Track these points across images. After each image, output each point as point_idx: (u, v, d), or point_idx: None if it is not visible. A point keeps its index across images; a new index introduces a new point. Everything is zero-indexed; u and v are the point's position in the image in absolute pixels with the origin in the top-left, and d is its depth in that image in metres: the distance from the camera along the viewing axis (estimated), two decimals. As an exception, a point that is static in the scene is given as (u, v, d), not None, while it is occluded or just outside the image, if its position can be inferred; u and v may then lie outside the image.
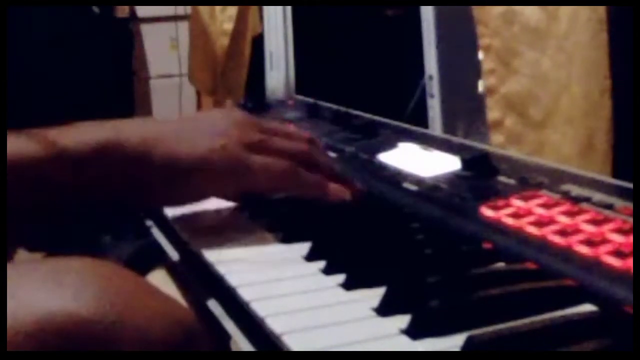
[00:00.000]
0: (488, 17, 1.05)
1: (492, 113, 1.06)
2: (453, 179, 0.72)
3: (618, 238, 0.54)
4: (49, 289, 0.38)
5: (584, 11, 0.99)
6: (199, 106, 2.94)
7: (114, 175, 0.62)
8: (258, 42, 1.79)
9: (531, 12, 1.03)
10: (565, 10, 1.01)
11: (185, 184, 0.64)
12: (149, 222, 0.73)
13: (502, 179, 0.70)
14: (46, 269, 0.40)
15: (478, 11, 1.07)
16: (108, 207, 0.65)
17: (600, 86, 0.99)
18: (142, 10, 3.09)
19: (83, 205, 0.63)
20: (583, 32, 0.99)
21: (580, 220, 0.57)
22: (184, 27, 2.75)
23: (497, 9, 1.04)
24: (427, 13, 1.22)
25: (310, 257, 0.58)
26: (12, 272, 0.39)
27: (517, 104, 1.04)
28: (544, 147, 1.03)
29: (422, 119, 1.25)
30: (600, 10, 0.98)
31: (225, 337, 0.52)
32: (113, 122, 0.65)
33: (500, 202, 0.63)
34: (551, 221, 0.59)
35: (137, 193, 0.64)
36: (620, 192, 0.62)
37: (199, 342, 0.42)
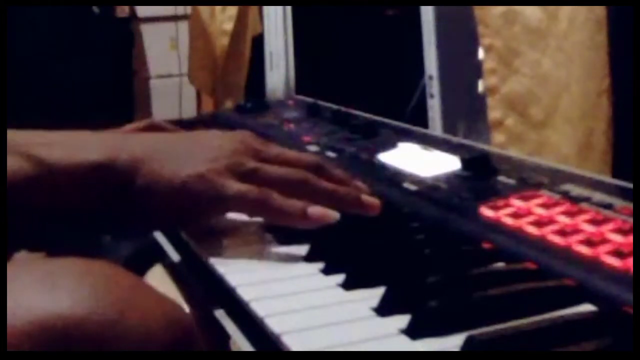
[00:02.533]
0: (489, 17, 1.05)
1: (493, 113, 1.06)
2: (453, 179, 0.72)
3: (618, 238, 0.54)
4: (45, 291, 0.38)
5: (581, 12, 0.99)
6: (199, 106, 2.94)
7: (99, 196, 0.60)
8: (258, 42, 1.79)
9: (532, 12, 1.03)
10: (564, 11, 1.01)
11: (161, 208, 0.62)
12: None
13: (501, 179, 0.70)
14: (41, 269, 0.40)
15: (479, 11, 1.07)
16: (92, 225, 0.63)
17: (598, 86, 0.99)
18: (142, 10, 3.08)
19: (63, 222, 0.62)
20: (581, 32, 0.99)
21: (580, 220, 0.57)
22: (184, 27, 2.75)
23: (498, 9, 1.04)
24: (427, 13, 1.22)
25: (310, 257, 0.58)
26: (8, 273, 0.39)
27: (518, 104, 1.04)
28: (544, 147, 1.03)
29: (422, 119, 1.25)
30: (598, 11, 0.98)
31: (225, 337, 0.52)
32: (107, 138, 0.63)
33: (500, 202, 0.63)
34: (551, 221, 0.59)
35: (118, 214, 0.62)
36: (620, 192, 0.62)
37: (195, 342, 0.42)
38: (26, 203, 0.59)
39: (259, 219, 0.68)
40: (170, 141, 0.66)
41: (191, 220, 0.64)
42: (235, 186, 0.61)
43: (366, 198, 0.66)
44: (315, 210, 0.62)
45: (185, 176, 0.61)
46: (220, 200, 0.61)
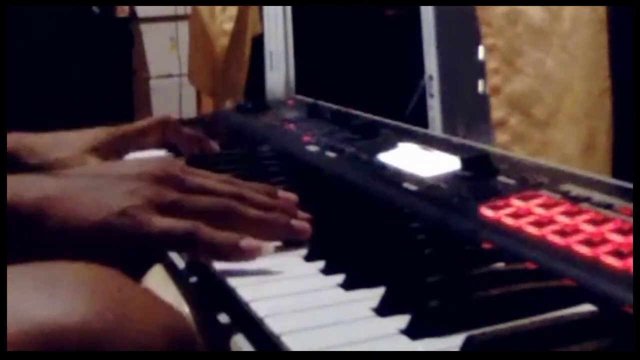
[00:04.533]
0: (492, 17, 1.05)
1: (496, 112, 1.06)
2: (453, 179, 0.72)
3: (618, 238, 0.54)
4: (44, 296, 0.38)
5: (584, 11, 0.99)
6: (199, 106, 2.94)
7: (11, 240, 0.54)
8: (258, 42, 1.79)
9: (534, 12, 1.03)
10: (567, 10, 1.01)
11: (79, 252, 0.54)
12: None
13: (502, 179, 0.70)
14: (39, 274, 0.40)
15: (482, 11, 1.07)
16: None
17: (600, 86, 0.99)
18: (142, 10, 3.08)
19: None
20: (584, 32, 0.99)
21: (580, 220, 0.57)
22: (184, 27, 2.75)
23: (501, 9, 1.04)
24: (427, 13, 1.22)
25: (310, 257, 0.58)
26: (9, 276, 0.39)
27: (521, 104, 1.05)
28: (548, 147, 1.03)
29: (422, 119, 1.25)
30: (601, 10, 0.98)
31: (225, 337, 0.52)
32: (21, 177, 0.58)
33: (500, 202, 0.63)
34: (551, 221, 0.59)
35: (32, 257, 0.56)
36: (620, 192, 0.62)
37: (194, 346, 0.42)
38: None
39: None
40: (84, 176, 0.61)
41: (112, 260, 0.57)
42: (159, 222, 0.57)
43: (296, 223, 0.62)
44: (249, 242, 0.58)
45: (105, 214, 0.56)
46: (145, 239, 0.57)
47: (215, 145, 0.97)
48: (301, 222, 0.62)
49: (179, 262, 0.65)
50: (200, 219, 0.58)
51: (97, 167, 0.67)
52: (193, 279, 0.62)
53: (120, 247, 0.57)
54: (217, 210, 0.60)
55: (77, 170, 0.64)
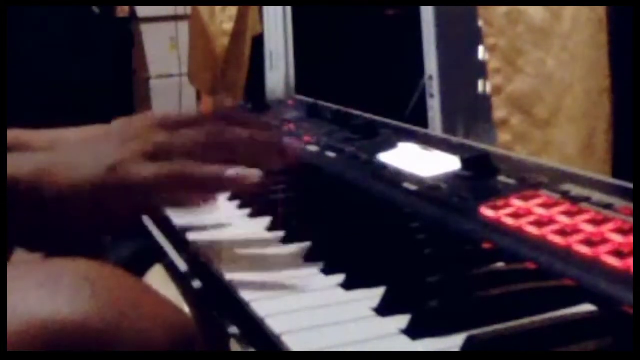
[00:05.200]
0: (493, 16, 1.05)
1: (498, 112, 1.06)
2: (453, 179, 0.72)
3: (618, 238, 0.54)
4: (43, 295, 0.38)
5: (584, 11, 0.99)
6: (199, 106, 2.94)
7: (14, 214, 0.55)
8: (258, 42, 1.79)
9: (535, 12, 1.03)
10: (568, 10, 1.01)
11: (80, 216, 0.57)
12: (149, 222, 0.73)
13: (502, 179, 0.70)
14: (41, 272, 0.40)
15: (483, 11, 1.07)
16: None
17: (600, 86, 0.99)
18: (142, 10, 3.09)
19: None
20: (584, 32, 0.99)
21: (580, 220, 0.57)
22: (184, 27, 2.75)
23: (502, 9, 1.04)
24: (427, 13, 1.22)
25: (310, 257, 0.58)
26: (10, 274, 0.39)
27: (522, 103, 1.05)
28: (549, 146, 1.03)
29: (422, 119, 1.25)
30: (600, 10, 0.98)
31: (225, 337, 0.52)
32: (9, 156, 0.58)
33: (500, 202, 0.63)
34: (551, 221, 0.59)
35: (35, 229, 0.58)
36: (620, 192, 0.62)
37: (195, 345, 0.42)
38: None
39: (259, 219, 0.68)
40: (75, 141, 0.62)
41: (117, 220, 0.60)
42: (144, 170, 0.58)
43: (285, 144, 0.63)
44: (236, 170, 0.58)
45: (97, 172, 0.57)
46: (134, 190, 0.57)
47: None
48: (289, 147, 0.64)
49: (180, 262, 0.65)
50: (192, 155, 0.59)
51: (83, 133, 0.66)
52: (193, 280, 0.62)
53: (115, 206, 0.58)
54: (204, 141, 0.60)
55: (66, 139, 0.64)
